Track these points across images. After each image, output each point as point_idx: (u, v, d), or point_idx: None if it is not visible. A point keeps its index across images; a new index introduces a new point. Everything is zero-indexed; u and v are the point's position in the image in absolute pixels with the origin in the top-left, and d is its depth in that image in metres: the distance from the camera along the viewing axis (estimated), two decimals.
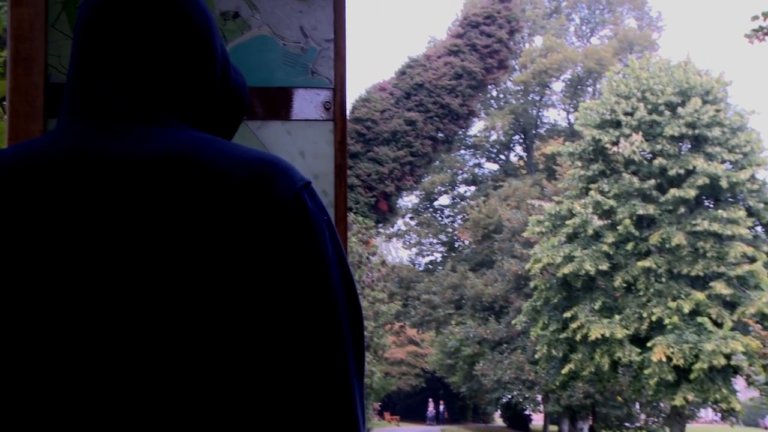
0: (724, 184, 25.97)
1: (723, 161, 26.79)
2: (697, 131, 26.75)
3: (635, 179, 27.21)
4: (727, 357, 24.84)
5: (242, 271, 1.14)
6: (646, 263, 26.21)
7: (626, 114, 27.74)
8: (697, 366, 24.75)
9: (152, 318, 1.12)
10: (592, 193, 27.64)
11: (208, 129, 1.33)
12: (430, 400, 49.65)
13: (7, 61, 1.81)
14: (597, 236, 27.22)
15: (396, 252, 50.87)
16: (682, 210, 26.40)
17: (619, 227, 26.66)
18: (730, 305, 25.95)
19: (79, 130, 1.24)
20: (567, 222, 27.79)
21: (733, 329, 25.24)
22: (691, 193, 26.12)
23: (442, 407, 51.27)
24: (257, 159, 1.21)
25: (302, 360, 1.16)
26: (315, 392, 1.16)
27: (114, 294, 1.13)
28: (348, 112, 1.92)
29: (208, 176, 1.16)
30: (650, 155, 27.75)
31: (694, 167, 26.39)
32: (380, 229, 34.86)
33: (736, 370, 25.94)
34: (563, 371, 27.80)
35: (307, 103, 1.86)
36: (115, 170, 1.17)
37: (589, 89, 49.73)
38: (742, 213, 26.08)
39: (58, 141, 1.23)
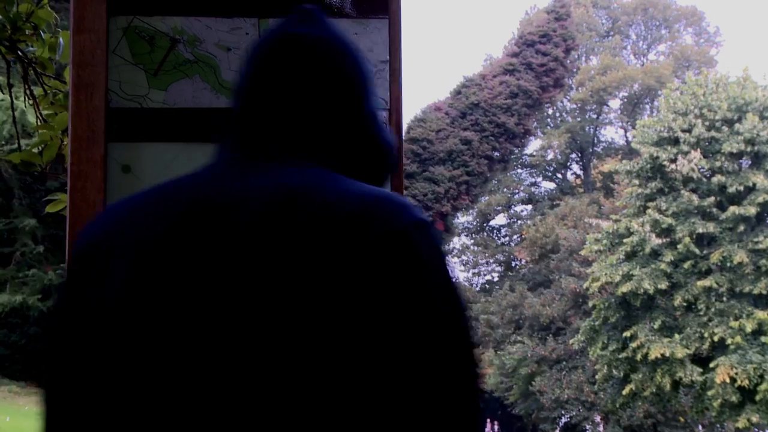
0: None
1: None
2: (756, 148, 26.36)
3: (694, 197, 26.83)
4: None
5: (346, 305, 1.14)
6: (707, 282, 25.81)
7: (684, 131, 27.42)
8: (762, 387, 24.27)
9: (260, 352, 1.13)
10: (650, 211, 27.32)
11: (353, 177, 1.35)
12: (488, 420, 49.29)
13: (70, 86, 1.85)
14: (656, 255, 26.87)
15: (452, 272, 50.64)
16: (742, 228, 25.99)
17: (678, 246, 26.30)
18: None
19: (223, 164, 1.32)
20: (625, 240, 27.47)
21: None
22: (752, 210, 25.70)
23: (497, 428, 50.83)
24: (370, 195, 1.21)
25: (406, 395, 1.14)
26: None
27: (223, 325, 1.15)
28: (404, 133, 1.92)
29: (315, 210, 1.18)
30: (709, 172, 27.39)
31: (754, 184, 26.00)
32: None
33: None
34: (624, 392, 27.42)
35: None
36: (235, 204, 1.21)
37: (647, 107, 49.27)
38: None
39: (202, 175, 1.31)
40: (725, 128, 26.93)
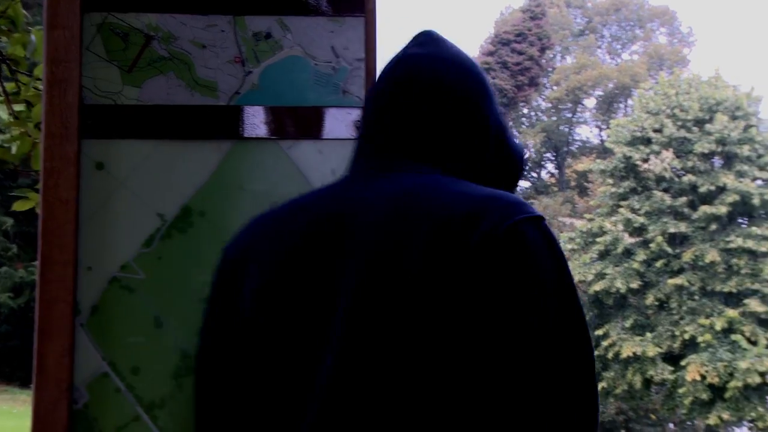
0: (756, 201, 25.76)
1: (754, 179, 26.56)
2: (727, 148, 26.57)
3: (666, 196, 27.03)
4: (762, 375, 24.56)
5: (454, 305, 1.15)
6: (679, 281, 26.01)
7: (656, 131, 27.60)
8: (731, 384, 24.50)
9: (378, 353, 1.17)
10: (623, 210, 27.50)
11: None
12: None
13: (43, 83, 1.83)
14: (628, 254, 27.06)
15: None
16: (714, 227, 26.19)
17: (651, 245, 26.48)
18: (765, 323, 25.65)
19: (355, 176, 1.39)
20: (598, 239, 27.65)
21: None
22: (723, 210, 25.92)
23: None
24: (483, 194, 1.24)
25: (494, 406, 1.14)
26: None
27: (332, 325, 1.22)
28: None
29: (429, 209, 1.22)
30: (681, 172, 27.58)
31: (725, 184, 26.21)
32: None
33: None
34: None
35: (339, 122, 1.87)
36: (358, 211, 1.28)
37: (622, 105, 49.49)
38: None
39: (335, 186, 1.40)
40: (696, 128, 27.12)
